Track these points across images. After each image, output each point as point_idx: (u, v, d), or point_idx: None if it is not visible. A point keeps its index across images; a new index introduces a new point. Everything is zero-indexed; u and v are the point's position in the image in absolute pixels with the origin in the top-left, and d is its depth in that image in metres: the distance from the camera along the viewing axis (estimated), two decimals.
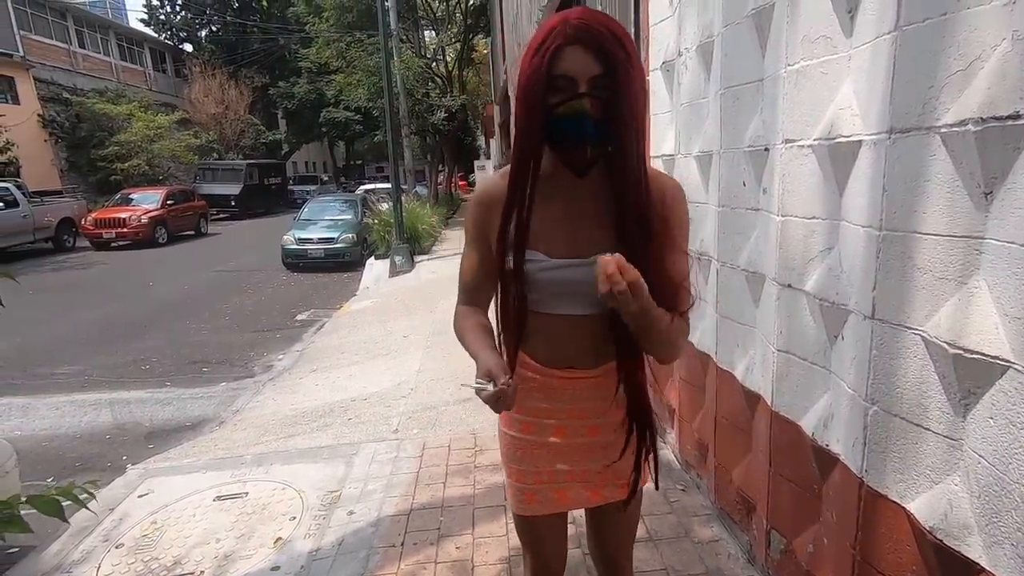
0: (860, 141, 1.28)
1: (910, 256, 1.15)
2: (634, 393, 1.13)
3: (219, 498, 2.73)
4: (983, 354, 0.99)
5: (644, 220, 1.01)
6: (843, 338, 1.40)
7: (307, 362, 5.40)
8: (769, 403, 1.78)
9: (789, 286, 1.61)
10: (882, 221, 1.21)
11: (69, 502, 1.06)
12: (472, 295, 1.17)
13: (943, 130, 1.05)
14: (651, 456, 1.19)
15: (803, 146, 1.50)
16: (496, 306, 1.16)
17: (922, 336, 1.13)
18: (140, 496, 2.80)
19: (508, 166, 1.09)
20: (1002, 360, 0.96)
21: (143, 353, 5.95)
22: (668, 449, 2.81)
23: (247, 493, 2.76)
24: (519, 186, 1.03)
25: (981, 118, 0.96)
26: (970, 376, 1.03)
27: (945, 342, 1.06)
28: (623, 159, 0.98)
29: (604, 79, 0.92)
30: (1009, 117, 0.91)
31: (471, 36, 19.31)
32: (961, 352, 1.03)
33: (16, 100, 17.86)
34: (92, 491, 1.10)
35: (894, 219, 1.18)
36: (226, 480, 2.90)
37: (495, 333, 1.15)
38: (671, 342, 1.03)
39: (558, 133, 0.96)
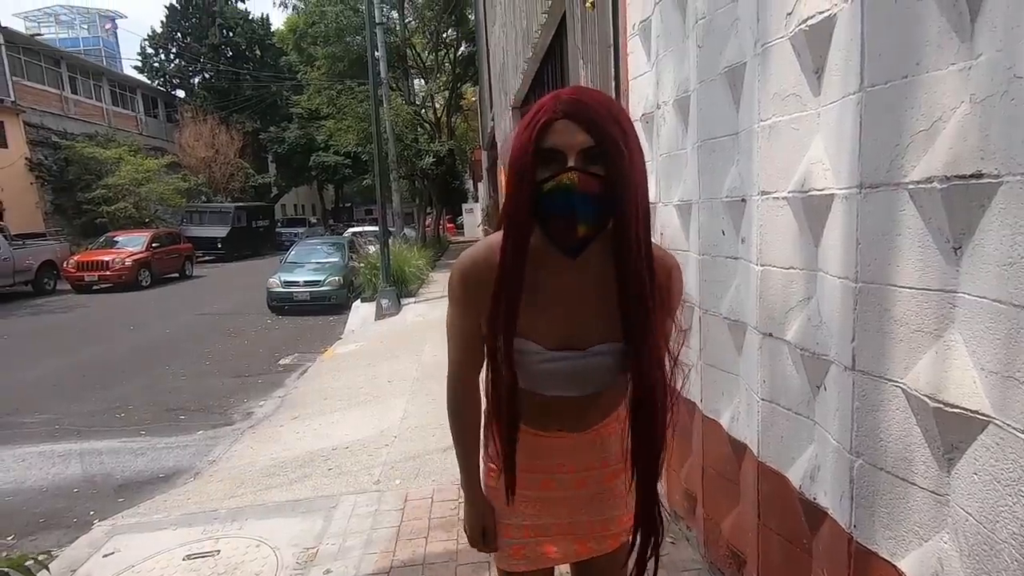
0: (832, 195, 1.31)
1: (886, 308, 1.16)
2: (644, 444, 1.04)
3: (188, 557, 2.60)
4: (963, 408, 0.99)
5: (647, 308, 0.95)
6: (825, 389, 1.40)
7: (288, 409, 5.27)
8: (755, 453, 1.75)
9: (770, 335, 1.62)
10: (858, 273, 1.22)
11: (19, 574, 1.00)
12: (465, 363, 1.12)
13: (911, 187, 1.07)
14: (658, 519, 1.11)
15: (778, 198, 1.53)
16: (486, 381, 1.10)
17: (903, 389, 1.13)
18: (105, 556, 2.66)
19: (495, 235, 1.04)
20: (982, 415, 0.96)
21: (118, 400, 5.77)
22: None
23: (219, 551, 2.63)
24: (509, 271, 0.96)
25: (946, 176, 0.98)
26: (952, 430, 1.02)
27: (925, 395, 1.06)
28: (624, 242, 0.92)
29: (596, 151, 0.87)
30: (972, 176, 0.94)
31: (459, 84, 19.92)
32: (941, 406, 1.03)
33: (4, 144, 17.91)
34: (45, 559, 1.04)
35: (869, 271, 1.20)
36: (197, 537, 2.77)
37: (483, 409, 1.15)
38: None
39: (547, 210, 0.90)
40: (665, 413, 1.01)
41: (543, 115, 0.90)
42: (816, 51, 1.35)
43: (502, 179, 10.94)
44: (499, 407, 1.06)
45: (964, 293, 0.99)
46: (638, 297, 0.94)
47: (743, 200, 1.75)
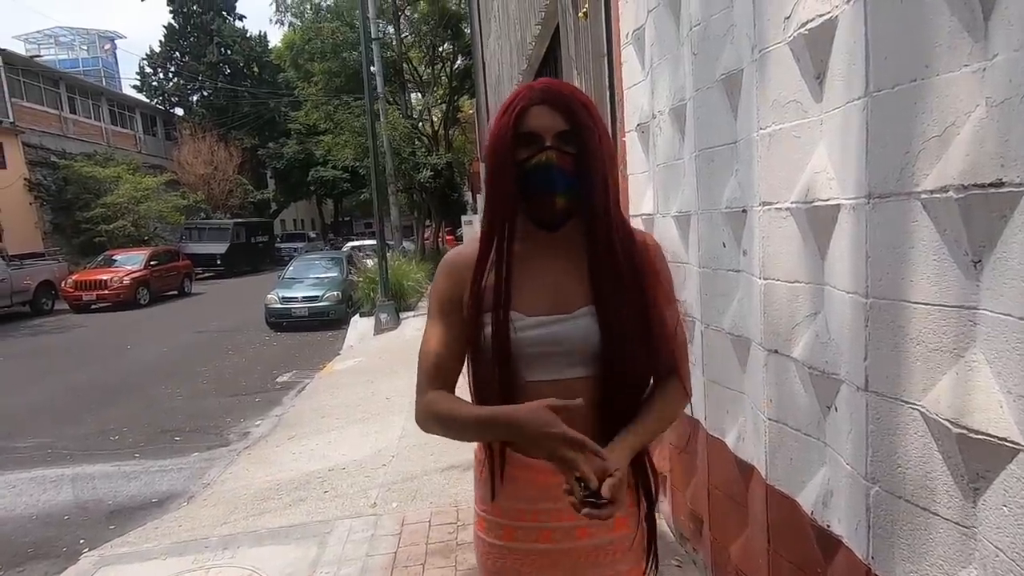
0: (839, 205, 1.25)
1: (900, 325, 1.09)
2: (641, 472, 1.04)
3: None
4: (989, 435, 0.91)
5: (616, 271, 0.98)
6: (836, 409, 1.32)
7: (285, 428, 5.19)
8: (763, 475, 1.67)
9: (776, 352, 1.54)
10: (868, 288, 1.15)
11: None
12: (438, 380, 1.04)
13: (923, 196, 1.01)
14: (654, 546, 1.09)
15: (780, 209, 1.47)
16: (469, 386, 1.05)
17: (921, 412, 1.05)
18: None
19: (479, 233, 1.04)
20: (1010, 442, 0.88)
21: (113, 422, 5.68)
22: (662, 519, 2.66)
23: None
24: (496, 241, 1.00)
25: (962, 185, 0.92)
26: (977, 458, 0.95)
27: (946, 420, 0.99)
28: (592, 210, 0.98)
29: (569, 135, 0.95)
30: (992, 184, 0.87)
31: (456, 97, 19.99)
32: (965, 431, 0.95)
33: (3, 165, 17.95)
34: None
35: (880, 286, 1.13)
36: (187, 567, 2.68)
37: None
38: (668, 427, 1.07)
39: (528, 186, 0.97)
40: (637, 371, 1.00)
41: (520, 102, 0.97)
42: (817, 55, 1.29)
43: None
44: (485, 390, 1.02)
45: (986, 310, 0.92)
46: (607, 261, 0.98)
47: (744, 211, 1.69)
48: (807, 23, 1.30)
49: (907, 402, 1.09)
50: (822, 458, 1.42)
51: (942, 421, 1.00)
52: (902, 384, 1.09)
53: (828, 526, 1.38)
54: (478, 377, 1.03)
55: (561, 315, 0.99)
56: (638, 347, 0.99)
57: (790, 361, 1.48)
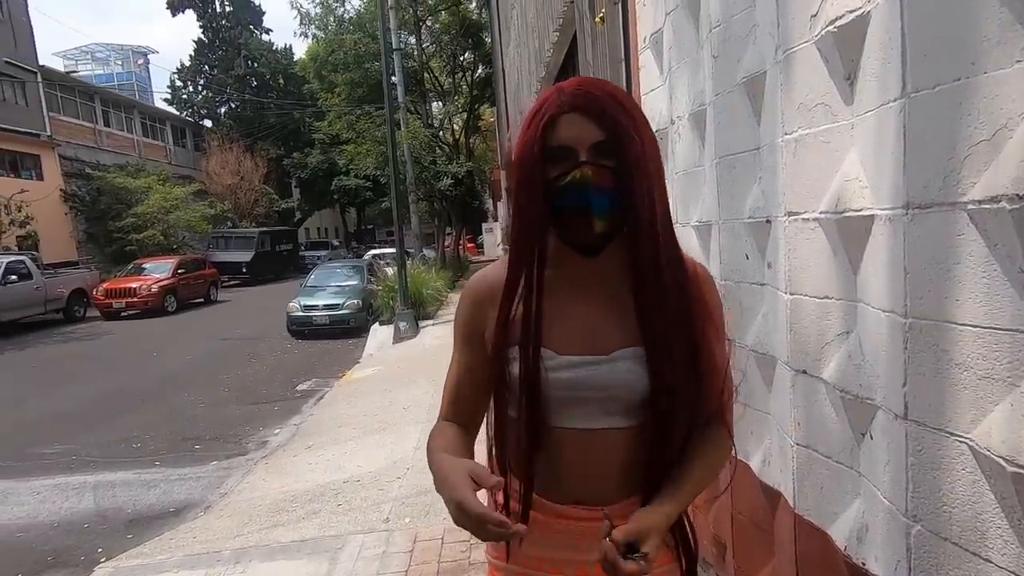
0: (873, 216, 1.15)
1: (944, 349, 0.98)
2: (679, 529, 0.93)
3: None
4: None
5: (665, 304, 0.86)
6: (872, 437, 1.22)
7: (303, 437, 5.19)
8: (791, 503, 1.56)
9: (804, 372, 1.44)
10: (907, 307, 1.05)
11: None
12: (453, 408, 0.97)
13: (970, 207, 0.91)
14: None
15: (808, 219, 1.37)
16: (489, 425, 0.97)
17: (970, 445, 0.95)
18: None
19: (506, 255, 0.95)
20: None
21: (136, 429, 5.76)
22: None
23: None
24: (524, 270, 0.88)
25: (1017, 195, 0.82)
26: None
27: (1000, 456, 0.88)
28: (637, 231, 0.85)
29: (607, 145, 0.83)
30: None
31: (477, 106, 20.07)
32: (1021, 471, 0.85)
33: (40, 176, 18.61)
34: None
35: (921, 305, 1.03)
36: None
37: (489, 456, 0.98)
38: (714, 477, 0.97)
39: (560, 208, 0.84)
40: (685, 421, 0.89)
41: (548, 110, 0.84)
42: (847, 55, 1.20)
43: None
44: (507, 433, 0.93)
45: None
46: (655, 294, 0.86)
47: (768, 221, 1.59)
48: (836, 20, 1.21)
49: (953, 434, 0.98)
50: (856, 489, 1.31)
51: (994, 457, 0.89)
52: (947, 414, 0.99)
53: (863, 564, 1.27)
54: (501, 417, 0.94)
55: (597, 356, 0.88)
56: (690, 394, 0.88)
57: (820, 383, 1.38)
